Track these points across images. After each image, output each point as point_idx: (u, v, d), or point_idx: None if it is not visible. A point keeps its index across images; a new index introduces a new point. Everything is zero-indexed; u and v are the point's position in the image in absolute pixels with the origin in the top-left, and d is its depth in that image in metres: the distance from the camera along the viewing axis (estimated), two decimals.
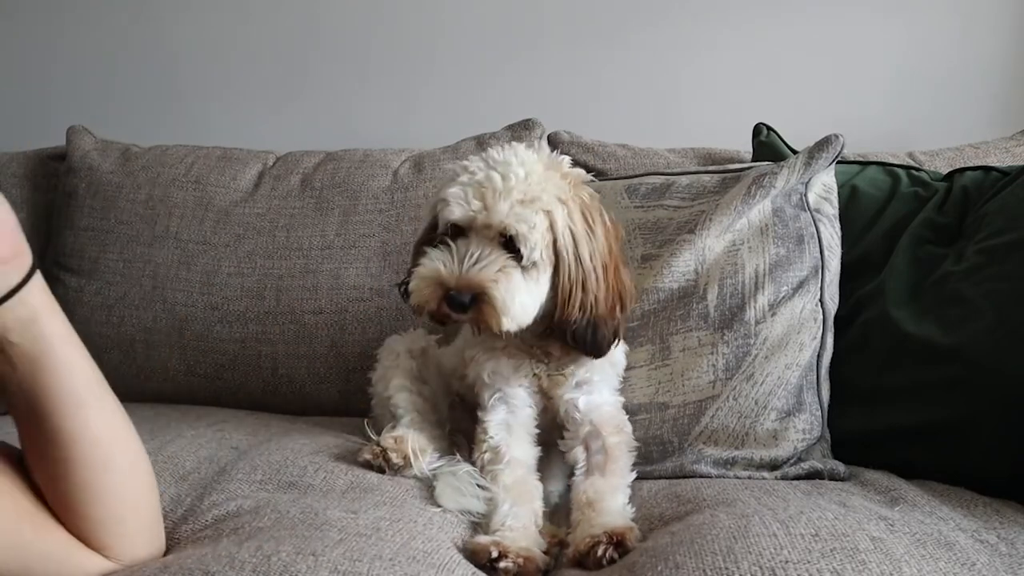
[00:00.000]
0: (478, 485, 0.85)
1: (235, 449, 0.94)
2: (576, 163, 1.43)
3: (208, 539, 0.72)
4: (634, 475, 0.89)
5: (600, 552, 0.73)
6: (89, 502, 0.64)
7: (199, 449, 0.94)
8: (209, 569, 0.62)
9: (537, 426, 0.92)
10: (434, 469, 0.87)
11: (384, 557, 0.67)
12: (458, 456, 0.91)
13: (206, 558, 0.64)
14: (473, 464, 0.88)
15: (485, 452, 0.88)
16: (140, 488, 0.68)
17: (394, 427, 0.93)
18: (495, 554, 0.74)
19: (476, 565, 0.74)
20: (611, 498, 0.82)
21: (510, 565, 0.74)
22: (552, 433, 0.94)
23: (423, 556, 0.69)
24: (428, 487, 0.85)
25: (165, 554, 0.71)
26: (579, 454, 0.88)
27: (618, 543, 0.74)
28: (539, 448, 0.91)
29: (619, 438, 0.89)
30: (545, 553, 0.79)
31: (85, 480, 0.64)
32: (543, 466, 0.96)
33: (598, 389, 0.91)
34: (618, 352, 0.95)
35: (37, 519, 0.63)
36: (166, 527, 0.74)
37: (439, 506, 0.81)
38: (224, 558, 0.64)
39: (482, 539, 0.77)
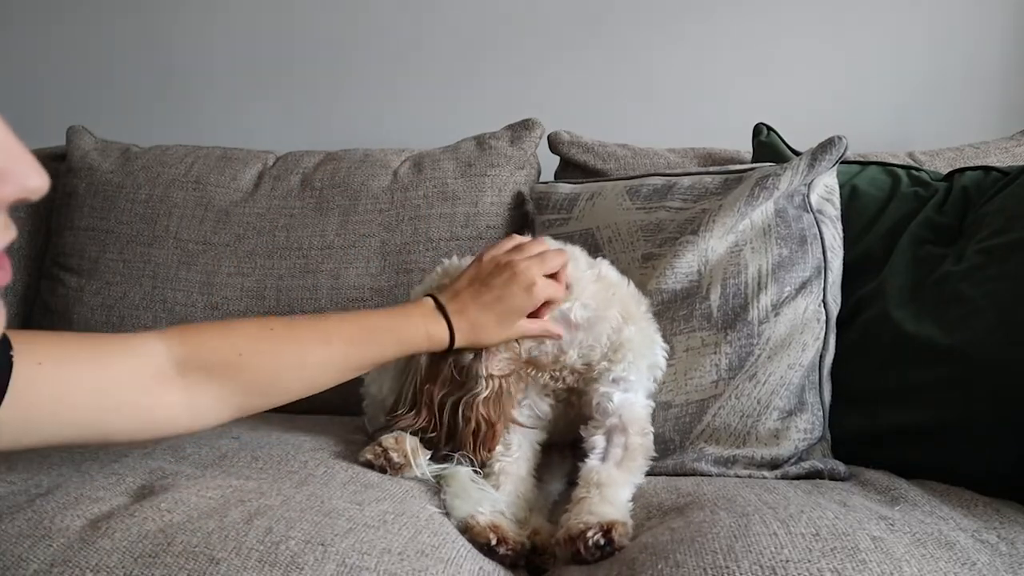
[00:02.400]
0: (480, 488, 0.85)
1: (236, 439, 0.94)
2: (576, 163, 1.46)
3: (215, 508, 0.70)
4: (643, 479, 0.89)
5: (590, 535, 0.74)
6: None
7: (199, 437, 0.93)
8: (215, 555, 0.62)
9: (549, 431, 0.95)
10: (435, 472, 0.87)
11: (393, 551, 0.66)
12: (456, 457, 0.91)
13: (212, 538, 0.64)
14: (472, 460, 0.89)
15: (499, 445, 0.90)
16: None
17: (391, 429, 0.93)
18: (493, 541, 0.76)
19: (473, 544, 0.76)
20: (619, 489, 0.83)
21: (508, 552, 0.77)
22: (564, 435, 0.95)
23: (431, 550, 0.69)
24: (428, 486, 0.85)
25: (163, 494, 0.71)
26: (599, 441, 0.89)
27: (606, 531, 0.74)
28: (540, 456, 0.94)
29: (642, 440, 0.90)
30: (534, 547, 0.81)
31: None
32: (543, 466, 0.96)
33: (634, 388, 0.92)
34: (660, 356, 0.97)
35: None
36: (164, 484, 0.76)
37: (453, 518, 0.81)
38: (231, 541, 0.63)
39: (482, 520, 0.79)
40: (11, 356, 0.58)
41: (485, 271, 0.88)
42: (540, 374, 0.93)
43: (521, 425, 0.91)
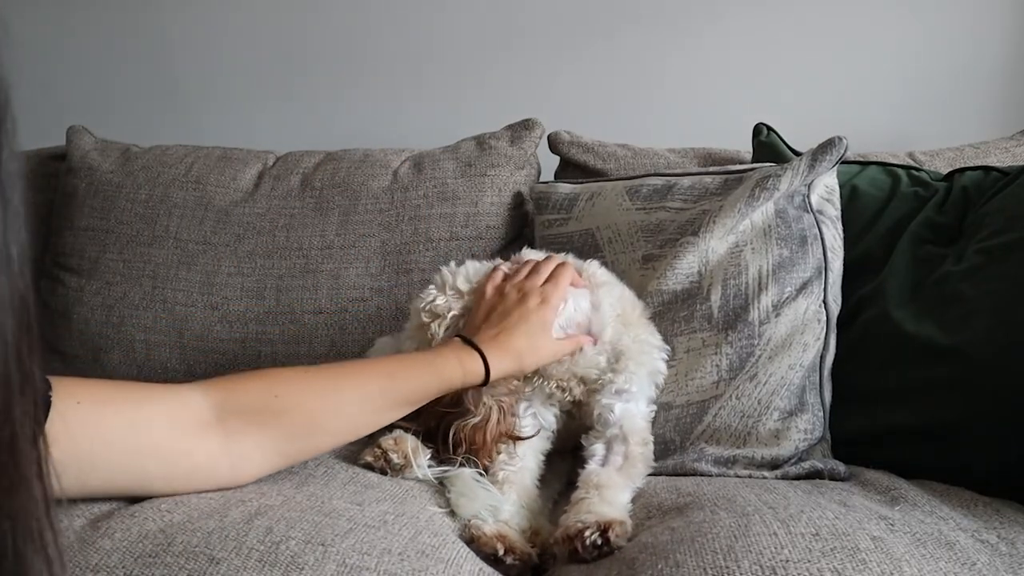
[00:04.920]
0: (484, 488, 0.85)
1: None
2: (576, 163, 1.46)
3: (215, 508, 0.70)
4: (643, 484, 0.89)
5: (587, 534, 0.74)
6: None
7: None
8: (215, 555, 0.61)
9: (553, 441, 0.95)
10: (437, 474, 0.87)
11: (393, 551, 0.66)
12: (459, 459, 0.91)
13: (212, 538, 0.63)
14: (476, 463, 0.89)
15: (501, 454, 0.89)
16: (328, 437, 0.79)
17: (390, 430, 0.93)
18: (501, 551, 0.76)
19: (478, 554, 0.76)
20: (619, 492, 0.83)
21: (516, 562, 0.76)
22: (566, 442, 0.95)
23: (432, 551, 0.69)
24: (428, 487, 0.85)
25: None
26: (599, 449, 0.89)
27: (603, 531, 0.74)
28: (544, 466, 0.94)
29: (643, 449, 0.90)
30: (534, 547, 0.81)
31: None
32: (544, 467, 0.96)
33: (635, 398, 0.92)
34: (659, 361, 0.97)
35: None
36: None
37: (456, 515, 0.81)
38: (231, 540, 0.63)
39: (488, 530, 0.78)
40: (50, 396, 0.58)
41: (492, 303, 0.90)
42: (546, 383, 0.92)
43: (522, 439, 0.90)
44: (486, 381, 0.84)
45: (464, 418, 0.86)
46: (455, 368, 0.82)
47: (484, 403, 0.86)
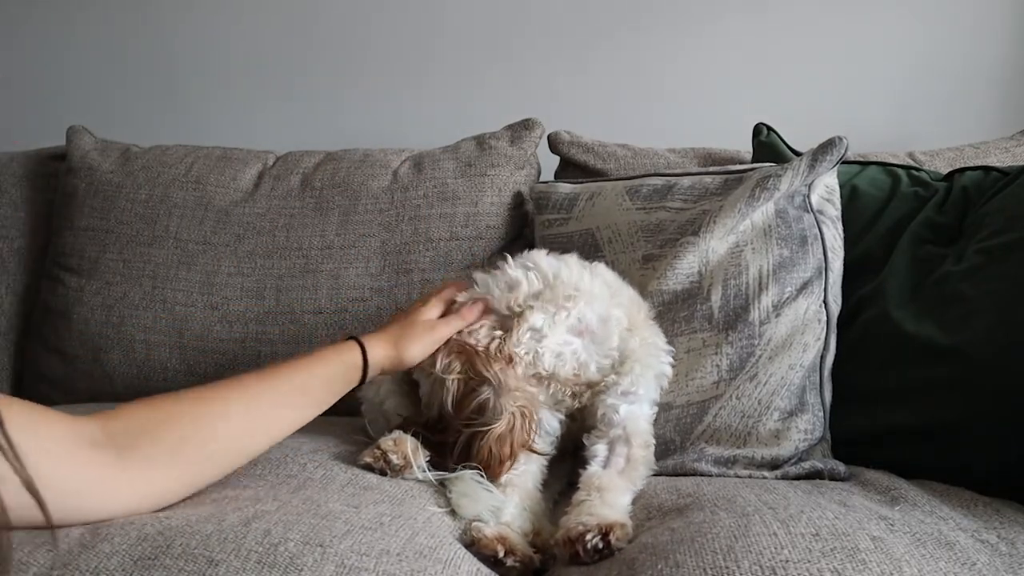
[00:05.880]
0: (486, 490, 0.85)
1: None
2: (576, 163, 1.46)
3: (212, 513, 0.70)
4: (643, 487, 0.89)
5: (588, 537, 0.74)
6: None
7: None
8: (214, 557, 0.61)
9: (558, 447, 0.94)
10: (438, 477, 0.86)
11: (391, 552, 0.66)
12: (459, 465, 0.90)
13: (211, 540, 0.64)
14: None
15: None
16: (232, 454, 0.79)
17: (390, 431, 0.93)
18: (501, 553, 0.76)
19: (479, 556, 0.75)
20: (620, 494, 0.83)
21: (516, 564, 0.76)
22: (567, 444, 0.95)
23: (429, 551, 0.69)
24: (426, 488, 0.85)
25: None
26: (601, 450, 0.89)
27: (604, 534, 0.74)
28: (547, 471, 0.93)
29: (644, 452, 0.90)
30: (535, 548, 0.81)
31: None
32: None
33: (640, 400, 0.92)
34: (666, 365, 0.97)
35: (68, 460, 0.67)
36: None
37: (458, 516, 0.81)
38: (230, 543, 0.63)
39: (488, 532, 0.78)
40: None
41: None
42: (564, 389, 0.92)
43: (540, 453, 0.89)
44: (365, 366, 0.89)
45: (487, 427, 0.85)
46: (332, 357, 0.88)
47: (506, 411, 0.85)
